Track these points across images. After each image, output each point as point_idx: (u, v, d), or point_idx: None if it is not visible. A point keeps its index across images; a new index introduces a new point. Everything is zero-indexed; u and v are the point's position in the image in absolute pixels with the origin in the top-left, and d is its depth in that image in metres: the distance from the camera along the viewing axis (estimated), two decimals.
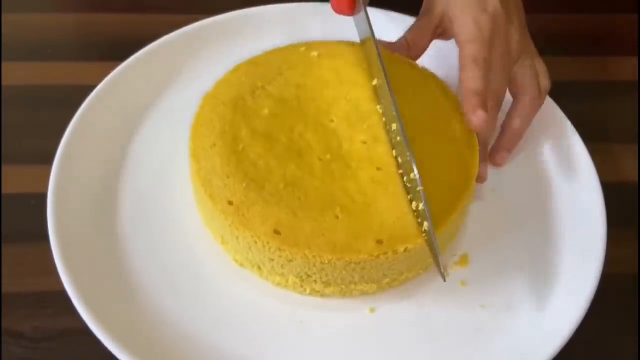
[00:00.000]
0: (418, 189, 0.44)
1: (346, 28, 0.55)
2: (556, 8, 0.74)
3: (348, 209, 0.45)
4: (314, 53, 0.54)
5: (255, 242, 0.45)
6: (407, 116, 0.49)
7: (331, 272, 0.45)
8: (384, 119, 0.50)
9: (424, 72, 0.55)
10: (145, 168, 0.54)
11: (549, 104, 0.58)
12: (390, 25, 0.59)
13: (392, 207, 0.45)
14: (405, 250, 0.45)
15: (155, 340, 0.45)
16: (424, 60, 0.56)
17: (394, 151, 0.48)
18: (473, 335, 0.47)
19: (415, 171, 0.45)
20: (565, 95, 0.58)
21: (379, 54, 0.50)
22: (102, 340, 0.43)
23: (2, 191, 0.55)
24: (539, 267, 0.50)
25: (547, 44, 0.59)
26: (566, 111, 0.58)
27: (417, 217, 0.45)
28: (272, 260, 0.46)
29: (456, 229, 0.51)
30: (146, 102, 0.58)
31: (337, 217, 0.45)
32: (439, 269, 0.45)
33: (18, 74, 0.64)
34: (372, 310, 0.48)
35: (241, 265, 0.49)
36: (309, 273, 0.46)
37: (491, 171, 0.54)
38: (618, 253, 0.51)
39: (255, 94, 0.52)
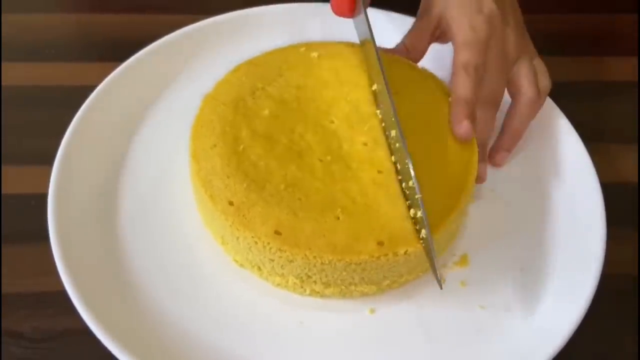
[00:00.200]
0: (416, 196, 0.44)
1: (346, 29, 0.55)
2: (556, 8, 0.74)
3: (349, 210, 0.45)
4: (314, 54, 0.54)
5: (256, 242, 0.45)
6: (406, 117, 0.49)
7: (331, 273, 0.45)
8: (383, 124, 0.50)
9: (424, 72, 0.55)
10: (146, 169, 0.54)
11: (549, 104, 0.58)
12: (391, 26, 0.59)
13: (394, 209, 0.45)
14: (405, 252, 0.45)
15: (156, 340, 0.45)
16: (423, 61, 0.56)
17: (393, 157, 0.48)
18: (473, 335, 0.47)
19: (414, 179, 0.45)
20: (564, 95, 0.58)
21: (378, 58, 0.50)
22: (102, 340, 0.43)
23: (2, 191, 0.55)
24: (538, 267, 0.50)
25: (546, 44, 0.59)
26: (566, 111, 0.58)
27: (415, 224, 0.45)
28: (273, 260, 0.46)
29: (456, 229, 0.51)
30: (146, 103, 0.58)
31: (338, 218, 0.45)
32: (436, 277, 0.45)
33: (18, 74, 0.64)
34: (372, 311, 0.48)
35: (241, 265, 0.49)
36: (309, 274, 0.46)
37: (491, 171, 0.54)
38: (618, 253, 0.51)
39: (256, 95, 0.52)
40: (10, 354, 0.47)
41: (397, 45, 0.56)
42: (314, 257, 0.44)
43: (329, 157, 0.48)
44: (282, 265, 0.46)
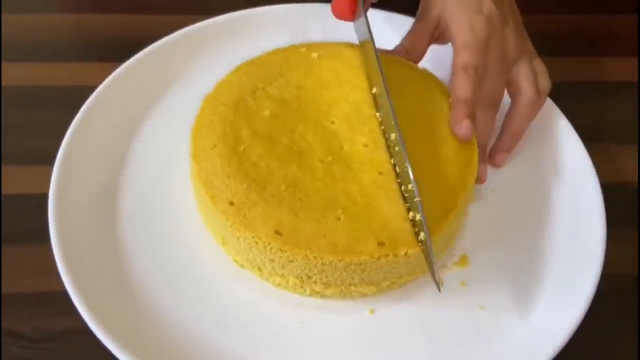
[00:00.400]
0: (415, 200, 0.45)
1: (347, 29, 0.55)
2: (555, 9, 0.75)
3: (350, 210, 0.45)
4: (315, 54, 0.54)
5: (257, 242, 0.45)
6: (406, 117, 0.49)
7: (332, 273, 0.45)
8: (382, 127, 0.50)
9: (424, 73, 0.55)
10: (146, 169, 0.54)
11: (549, 104, 0.58)
12: (391, 27, 0.59)
13: (395, 211, 0.45)
14: (405, 254, 0.45)
15: (156, 340, 0.45)
16: (423, 62, 0.56)
17: (392, 159, 0.48)
18: (473, 335, 0.47)
19: (413, 183, 0.45)
20: (564, 96, 0.58)
21: (378, 62, 0.50)
22: (102, 340, 0.43)
23: (2, 191, 0.55)
24: (538, 267, 0.50)
25: (546, 44, 0.59)
26: (566, 112, 0.58)
27: (414, 226, 0.45)
28: (273, 261, 0.46)
29: (456, 229, 0.51)
30: (147, 103, 0.58)
31: (338, 218, 0.45)
32: (435, 280, 0.45)
33: (18, 74, 0.64)
34: (372, 311, 0.48)
35: (242, 266, 0.49)
36: (310, 274, 0.46)
37: (491, 172, 0.54)
38: (618, 253, 0.51)
39: (256, 95, 0.52)
40: (10, 354, 0.47)
41: (396, 47, 0.56)
42: (315, 257, 0.44)
43: (329, 158, 0.48)
44: (282, 266, 0.46)
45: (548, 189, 0.55)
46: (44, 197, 0.50)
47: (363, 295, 0.48)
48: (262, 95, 0.52)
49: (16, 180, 0.56)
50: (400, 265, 0.46)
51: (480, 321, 0.48)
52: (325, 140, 0.49)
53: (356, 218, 0.45)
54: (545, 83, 0.56)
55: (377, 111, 0.50)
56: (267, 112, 0.50)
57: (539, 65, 0.56)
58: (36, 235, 0.50)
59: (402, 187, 0.46)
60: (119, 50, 0.60)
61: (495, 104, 0.53)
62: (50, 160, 0.52)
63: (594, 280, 0.48)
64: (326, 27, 0.56)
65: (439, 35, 0.56)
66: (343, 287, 0.47)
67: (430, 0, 0.55)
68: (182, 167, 0.51)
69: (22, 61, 0.65)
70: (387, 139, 0.49)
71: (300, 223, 0.45)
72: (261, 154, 0.48)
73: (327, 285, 0.47)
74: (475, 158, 0.50)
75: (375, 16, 0.56)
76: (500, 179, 0.55)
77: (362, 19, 0.52)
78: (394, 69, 0.53)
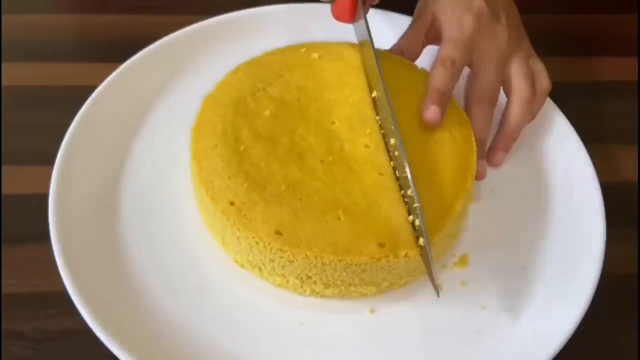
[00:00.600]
0: (415, 205, 0.45)
1: (347, 29, 0.55)
2: (556, 8, 0.75)
3: (350, 211, 0.45)
4: (315, 55, 0.54)
5: (257, 242, 0.45)
6: (406, 118, 0.50)
7: (332, 273, 0.45)
8: (382, 131, 0.50)
9: (423, 73, 0.55)
10: (146, 169, 0.54)
11: (549, 104, 0.58)
12: (390, 26, 0.59)
13: (395, 212, 0.45)
14: (406, 255, 0.45)
15: (156, 340, 0.45)
16: (423, 62, 0.56)
17: (392, 162, 0.48)
18: (473, 335, 0.47)
19: (413, 190, 0.45)
20: (564, 95, 0.58)
21: (378, 65, 0.50)
22: (102, 340, 0.43)
23: (2, 192, 0.55)
24: (538, 267, 0.50)
25: (546, 44, 0.59)
26: (566, 112, 0.58)
27: (415, 231, 0.45)
28: (273, 261, 0.46)
29: (457, 230, 0.51)
30: (147, 104, 0.58)
31: (339, 219, 0.45)
32: (434, 285, 0.45)
33: (18, 74, 0.64)
34: (372, 311, 0.48)
35: (242, 266, 0.49)
36: (310, 274, 0.46)
37: (491, 172, 0.54)
38: (618, 253, 0.51)
39: (257, 96, 0.52)
40: (10, 354, 0.47)
41: (392, 46, 0.56)
42: (315, 257, 0.44)
43: (330, 158, 0.48)
44: (282, 266, 0.46)
45: (548, 189, 0.55)
46: (44, 197, 0.50)
47: (363, 295, 0.48)
48: (263, 96, 0.52)
49: (16, 180, 0.56)
50: (400, 266, 0.46)
51: (480, 321, 0.48)
52: (326, 141, 0.49)
53: (357, 219, 0.45)
54: (544, 82, 0.56)
55: (377, 115, 0.50)
56: (267, 113, 0.50)
57: (537, 64, 0.56)
58: (36, 235, 0.50)
59: (402, 192, 0.46)
60: (119, 50, 0.60)
61: (491, 99, 0.54)
62: (50, 160, 0.52)
63: (593, 280, 0.48)
64: (326, 27, 0.56)
65: (433, 37, 0.56)
66: (343, 288, 0.47)
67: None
68: (182, 167, 0.51)
69: (22, 61, 0.65)
70: (387, 143, 0.49)
71: (300, 223, 0.45)
72: (262, 154, 0.48)
73: (327, 285, 0.47)
74: (474, 158, 0.50)
75: (374, 16, 0.56)
76: (500, 179, 0.55)
77: (362, 21, 0.53)
78: (393, 68, 0.53)
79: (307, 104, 0.51)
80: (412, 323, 0.48)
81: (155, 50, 0.60)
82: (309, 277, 0.46)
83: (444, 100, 0.50)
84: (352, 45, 0.55)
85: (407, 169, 0.46)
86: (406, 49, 0.56)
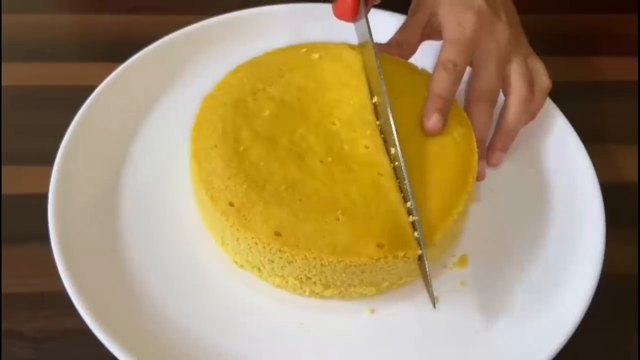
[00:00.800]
0: (414, 219, 0.45)
1: (347, 30, 0.55)
2: (556, 8, 0.75)
3: (349, 211, 0.45)
4: (316, 55, 0.54)
5: (256, 243, 0.45)
6: (407, 118, 0.50)
7: (331, 274, 0.45)
8: (382, 135, 0.50)
9: (424, 73, 0.55)
10: (146, 169, 0.54)
11: (549, 104, 0.58)
12: (391, 26, 0.59)
13: (394, 212, 0.45)
14: (405, 255, 0.45)
15: (155, 341, 0.45)
16: (423, 62, 0.56)
17: (393, 165, 0.48)
18: (472, 335, 0.47)
19: (409, 191, 0.45)
20: (564, 95, 0.58)
21: (378, 68, 0.50)
22: (101, 340, 0.43)
23: (2, 191, 0.55)
24: (538, 267, 0.50)
25: (546, 44, 0.59)
26: (565, 112, 0.58)
27: (414, 231, 0.45)
28: (273, 262, 0.46)
29: (457, 230, 0.51)
30: (147, 103, 0.58)
31: (338, 219, 0.45)
32: (430, 296, 0.45)
33: (18, 74, 0.64)
34: (371, 311, 0.48)
35: (241, 267, 0.49)
36: (309, 275, 0.46)
37: (490, 172, 0.54)
38: (618, 253, 0.51)
39: (257, 96, 0.51)
40: (10, 354, 0.47)
41: (388, 41, 0.56)
42: (314, 258, 0.44)
43: (329, 158, 0.48)
44: (282, 267, 0.46)
45: (547, 189, 0.55)
46: (44, 197, 0.50)
47: (363, 296, 0.48)
48: (263, 96, 0.51)
49: (16, 180, 0.56)
50: (399, 266, 0.46)
51: (480, 321, 0.48)
52: (326, 141, 0.49)
53: (355, 219, 0.45)
54: (544, 81, 0.56)
55: (378, 119, 0.50)
56: (267, 113, 0.50)
57: (536, 63, 0.56)
58: (36, 235, 0.50)
59: (402, 194, 0.46)
60: (119, 50, 0.60)
61: (491, 99, 0.53)
62: (50, 160, 0.52)
63: (593, 280, 0.48)
64: (327, 27, 0.56)
65: (431, 32, 0.56)
66: (342, 288, 0.47)
67: None
68: (182, 167, 0.51)
69: (22, 61, 0.65)
70: (387, 144, 0.49)
71: (299, 224, 0.45)
72: (261, 154, 0.48)
73: (327, 286, 0.47)
74: (475, 159, 0.50)
75: (375, 15, 0.55)
76: (500, 179, 0.55)
77: (363, 20, 0.53)
78: (394, 69, 0.53)
79: (308, 105, 0.51)
80: (411, 323, 0.48)
81: (155, 50, 0.60)
82: (309, 278, 0.46)
83: (447, 107, 0.50)
84: (352, 46, 0.55)
85: (404, 170, 0.46)
86: (403, 44, 0.56)
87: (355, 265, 0.44)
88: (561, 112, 0.58)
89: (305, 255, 0.44)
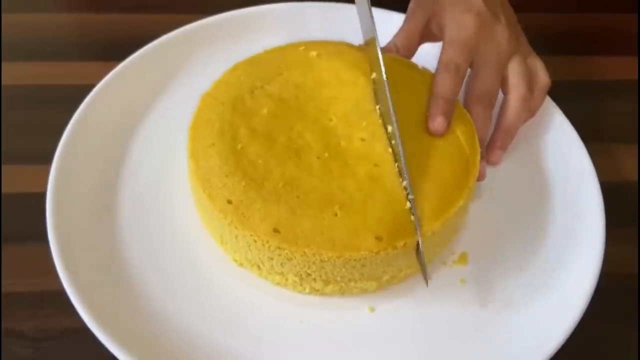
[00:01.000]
0: (410, 197, 0.45)
1: (346, 28, 0.55)
2: (556, 8, 0.75)
3: (347, 206, 0.45)
4: (313, 53, 0.54)
5: (255, 241, 0.45)
6: (409, 115, 0.50)
7: (331, 270, 0.45)
8: (381, 119, 0.50)
9: (425, 72, 0.55)
10: (145, 168, 0.55)
11: (549, 103, 0.58)
12: (391, 26, 0.59)
13: (391, 203, 0.45)
14: (404, 245, 0.45)
15: (155, 340, 0.45)
16: (423, 62, 0.56)
17: (391, 150, 0.48)
18: (472, 333, 0.47)
19: (407, 179, 0.46)
20: (564, 95, 0.58)
21: (378, 46, 0.50)
22: (100, 339, 0.43)
23: (2, 191, 0.55)
24: (538, 265, 0.50)
25: (546, 43, 0.59)
26: (566, 111, 0.58)
27: (412, 215, 0.45)
28: (272, 259, 0.46)
29: (457, 225, 0.51)
30: (145, 102, 0.58)
31: (336, 214, 0.45)
32: (424, 274, 0.45)
33: (18, 74, 0.64)
34: (371, 309, 0.48)
35: (241, 265, 0.49)
36: (309, 271, 0.46)
37: (490, 170, 0.54)
38: (618, 253, 0.51)
39: (254, 94, 0.51)
40: (10, 354, 0.47)
41: (387, 44, 0.56)
42: (313, 254, 0.44)
43: (326, 155, 0.48)
44: (281, 264, 0.46)
45: (547, 188, 0.55)
46: (44, 196, 0.50)
47: (363, 291, 0.48)
48: (260, 94, 0.51)
49: (16, 180, 0.56)
50: (399, 257, 0.46)
51: (480, 319, 0.48)
52: (322, 138, 0.49)
53: (353, 213, 0.45)
54: (543, 79, 0.56)
55: (377, 103, 0.50)
56: (265, 111, 0.50)
57: (536, 62, 0.56)
58: (36, 234, 0.50)
59: (403, 182, 0.47)
60: (119, 49, 0.60)
61: (491, 100, 0.54)
62: (50, 160, 0.52)
63: (593, 279, 0.48)
64: (325, 25, 0.56)
65: (430, 33, 0.56)
66: (343, 284, 0.47)
67: None
68: (180, 165, 0.51)
69: (22, 60, 0.65)
70: (386, 132, 0.49)
71: (298, 220, 0.45)
72: (259, 152, 0.48)
73: (327, 282, 0.47)
74: (477, 157, 0.50)
75: (374, 15, 0.55)
76: (500, 177, 0.55)
77: (365, 6, 0.52)
78: (395, 67, 0.53)
79: (305, 102, 0.51)
80: (411, 320, 0.48)
81: (154, 49, 0.60)
82: (309, 275, 0.46)
83: (451, 108, 0.50)
84: (351, 44, 0.55)
85: (401, 150, 0.46)
86: (402, 47, 0.56)
87: (355, 260, 0.45)
88: (561, 111, 0.58)
89: (305, 252, 0.44)
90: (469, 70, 0.54)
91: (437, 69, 0.52)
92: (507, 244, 0.51)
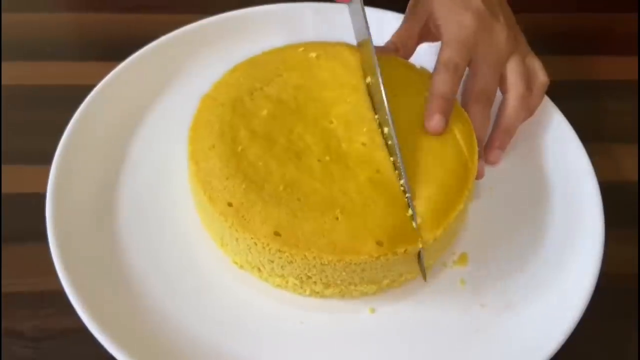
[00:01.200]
0: (407, 195, 0.45)
1: (345, 29, 0.55)
2: (556, 7, 0.74)
3: (348, 210, 0.45)
4: (313, 54, 0.54)
5: (255, 243, 0.45)
6: (407, 116, 0.50)
7: (331, 273, 0.45)
8: (378, 124, 0.50)
9: (423, 72, 0.55)
10: (145, 168, 0.54)
11: (548, 103, 0.58)
12: (388, 26, 0.59)
13: (392, 209, 0.45)
14: (405, 251, 0.45)
15: (154, 341, 0.45)
16: (422, 61, 0.56)
17: (391, 157, 0.48)
18: (473, 334, 0.47)
19: (405, 178, 0.46)
20: (564, 95, 0.58)
21: (372, 51, 0.50)
22: (100, 340, 0.43)
23: (2, 191, 0.55)
24: (538, 266, 0.50)
25: (546, 43, 0.59)
26: (565, 111, 0.58)
27: (413, 221, 0.45)
28: (272, 262, 0.46)
29: (457, 228, 0.51)
30: (145, 103, 0.58)
31: (337, 218, 0.45)
32: (422, 270, 0.46)
33: (18, 74, 0.64)
34: (372, 310, 0.48)
35: (241, 267, 0.49)
36: (309, 274, 0.46)
37: (490, 170, 0.54)
38: (618, 253, 0.51)
39: (254, 95, 0.51)
40: (10, 353, 0.47)
41: (386, 44, 0.56)
42: (314, 257, 0.44)
43: (327, 157, 0.48)
44: (282, 266, 0.46)
45: (547, 188, 0.55)
46: (44, 196, 0.50)
47: (363, 294, 0.48)
48: (260, 95, 0.51)
49: (16, 180, 0.56)
50: (400, 263, 0.46)
51: (480, 320, 0.48)
52: (323, 140, 0.49)
53: (354, 217, 0.45)
54: (541, 79, 0.56)
55: (376, 112, 0.50)
56: (265, 112, 0.50)
57: (534, 61, 0.56)
58: (36, 234, 0.49)
59: (402, 183, 0.47)
60: (119, 49, 0.60)
61: (489, 99, 0.54)
62: (50, 160, 0.52)
63: (592, 279, 0.48)
64: (324, 27, 0.56)
65: (429, 33, 0.56)
66: (343, 287, 0.47)
67: None
68: (180, 166, 0.51)
69: (22, 60, 0.65)
70: (385, 138, 0.49)
71: (299, 223, 0.45)
72: (259, 154, 0.48)
73: (327, 285, 0.47)
74: (476, 157, 0.50)
75: (372, 15, 0.55)
76: (499, 177, 0.55)
77: (359, 12, 0.52)
78: (392, 68, 0.52)
79: (305, 104, 0.51)
80: (412, 322, 0.48)
81: (154, 49, 0.60)
82: (309, 277, 0.46)
83: (449, 107, 0.50)
84: (350, 45, 0.55)
85: (400, 162, 0.46)
86: (401, 47, 0.56)
87: (355, 264, 0.44)
88: (560, 110, 0.58)
89: (305, 255, 0.44)
90: (467, 69, 0.54)
91: (435, 68, 0.52)
92: (506, 245, 0.51)
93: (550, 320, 0.47)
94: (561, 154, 0.56)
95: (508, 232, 0.52)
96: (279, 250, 0.45)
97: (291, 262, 0.45)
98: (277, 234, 0.44)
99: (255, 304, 0.48)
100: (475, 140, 0.51)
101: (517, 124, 0.55)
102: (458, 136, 0.50)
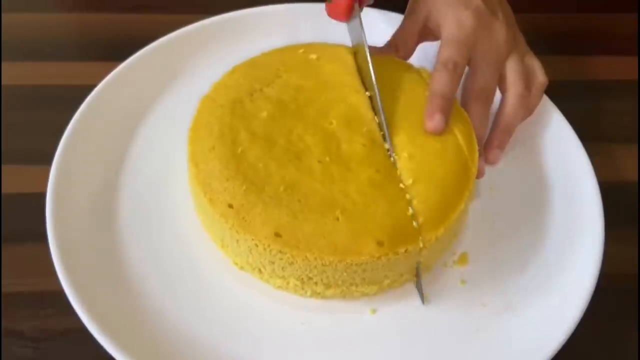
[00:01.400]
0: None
1: (345, 30, 0.55)
2: (556, 7, 0.74)
3: (348, 211, 0.45)
4: (313, 55, 0.54)
5: (256, 245, 0.45)
6: (407, 117, 0.50)
7: (332, 274, 0.45)
8: (378, 125, 0.50)
9: (422, 72, 0.55)
10: (145, 168, 0.54)
11: (547, 103, 0.58)
12: (387, 26, 0.59)
13: (392, 209, 0.45)
14: (406, 251, 0.45)
15: (154, 342, 0.45)
16: (421, 61, 0.56)
17: (391, 158, 0.48)
18: (473, 334, 0.47)
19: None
20: (564, 94, 0.58)
21: (371, 69, 0.50)
22: (99, 340, 0.43)
23: (2, 191, 0.55)
24: (538, 265, 0.50)
25: (546, 43, 0.60)
26: (565, 111, 0.58)
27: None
28: (273, 263, 0.46)
29: (458, 228, 0.51)
30: (146, 103, 0.58)
31: (337, 219, 0.45)
32: (420, 292, 0.46)
33: (18, 74, 0.64)
34: (373, 311, 0.48)
35: (242, 268, 0.49)
36: (310, 275, 0.46)
37: (490, 170, 0.54)
38: (618, 253, 0.51)
39: (254, 97, 0.51)
40: (10, 354, 0.47)
41: (386, 44, 0.56)
42: (315, 258, 0.44)
43: (327, 158, 0.48)
44: (282, 268, 0.46)
45: (547, 188, 0.55)
46: (44, 196, 0.50)
47: (364, 294, 0.48)
48: (260, 97, 0.51)
49: (16, 180, 0.56)
50: (400, 263, 0.46)
51: (480, 320, 0.48)
52: (323, 141, 0.49)
53: (354, 218, 0.45)
54: (540, 78, 0.56)
55: (373, 109, 0.50)
56: (264, 114, 0.50)
57: (533, 61, 0.56)
58: (36, 234, 0.49)
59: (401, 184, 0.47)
60: (119, 50, 0.60)
61: (488, 98, 0.54)
62: (50, 160, 0.52)
63: (592, 279, 0.48)
64: (324, 28, 0.55)
65: (428, 32, 0.56)
66: (344, 288, 0.47)
67: None
68: (180, 167, 0.51)
69: (22, 60, 0.65)
70: (384, 139, 0.49)
71: (299, 224, 0.45)
72: (259, 155, 0.47)
73: (328, 286, 0.47)
74: (476, 157, 0.50)
75: (371, 15, 0.55)
76: (499, 177, 0.55)
77: (357, 20, 0.52)
78: (391, 68, 0.53)
79: (305, 105, 0.51)
80: (412, 322, 0.48)
81: (154, 49, 0.60)
82: (310, 278, 0.46)
83: (449, 106, 0.50)
84: (350, 47, 0.55)
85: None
86: (401, 46, 0.56)
87: (356, 264, 0.45)
88: (560, 110, 0.58)
89: (306, 256, 0.44)
90: (466, 68, 0.54)
91: (435, 67, 0.52)
92: (506, 245, 0.51)
93: (551, 320, 0.47)
94: (561, 154, 0.56)
95: (508, 232, 0.52)
96: (280, 252, 0.45)
97: (292, 263, 0.45)
98: (277, 235, 0.44)
99: (256, 305, 0.48)
100: (475, 140, 0.51)
101: (516, 123, 0.55)
102: (458, 136, 0.50)
